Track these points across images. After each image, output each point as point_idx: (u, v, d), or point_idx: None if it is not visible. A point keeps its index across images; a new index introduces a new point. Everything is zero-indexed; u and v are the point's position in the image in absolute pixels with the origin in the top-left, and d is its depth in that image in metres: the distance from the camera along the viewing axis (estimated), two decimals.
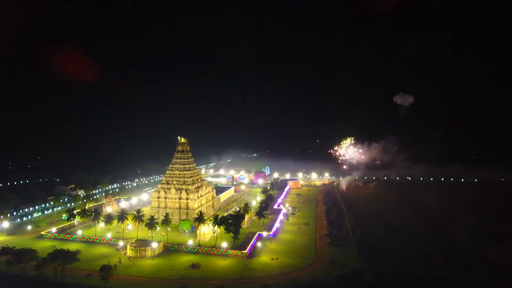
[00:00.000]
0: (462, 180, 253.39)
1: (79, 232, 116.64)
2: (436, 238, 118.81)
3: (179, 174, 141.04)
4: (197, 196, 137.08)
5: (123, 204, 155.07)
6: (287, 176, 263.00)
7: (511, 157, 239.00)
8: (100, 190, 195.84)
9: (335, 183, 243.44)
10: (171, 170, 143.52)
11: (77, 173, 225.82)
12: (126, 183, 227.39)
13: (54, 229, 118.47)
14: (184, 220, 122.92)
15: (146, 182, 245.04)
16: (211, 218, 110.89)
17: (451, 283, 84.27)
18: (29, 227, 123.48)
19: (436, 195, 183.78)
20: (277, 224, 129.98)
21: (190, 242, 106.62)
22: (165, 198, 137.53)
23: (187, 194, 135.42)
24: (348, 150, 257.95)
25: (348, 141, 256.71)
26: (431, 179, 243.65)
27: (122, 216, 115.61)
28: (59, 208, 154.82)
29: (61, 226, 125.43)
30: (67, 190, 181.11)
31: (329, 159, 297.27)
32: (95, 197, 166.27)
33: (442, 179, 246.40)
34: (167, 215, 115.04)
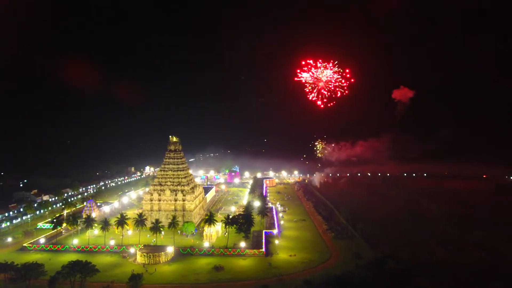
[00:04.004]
0: (414, 174, 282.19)
1: (75, 241, 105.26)
2: (422, 226, 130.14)
3: (173, 175, 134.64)
4: (194, 197, 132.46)
5: (106, 208, 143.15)
6: (259, 175, 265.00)
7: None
8: (68, 194, 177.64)
9: (306, 180, 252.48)
10: (164, 170, 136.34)
11: (33, 177, 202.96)
12: (91, 186, 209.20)
13: (42, 240, 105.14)
14: (187, 222, 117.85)
15: (113, 184, 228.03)
16: (223, 219, 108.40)
17: (455, 266, 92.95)
18: (10, 239, 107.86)
19: (403, 188, 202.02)
20: (276, 222, 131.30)
21: (206, 244, 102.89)
22: (159, 200, 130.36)
23: (184, 195, 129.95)
24: (327, 149, 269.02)
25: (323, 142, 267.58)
26: (379, 176, 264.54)
27: (121, 221, 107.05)
28: (28, 216, 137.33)
29: (42, 236, 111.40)
30: (30, 196, 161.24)
31: (293, 157, 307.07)
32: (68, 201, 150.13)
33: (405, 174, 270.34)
34: (174, 217, 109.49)
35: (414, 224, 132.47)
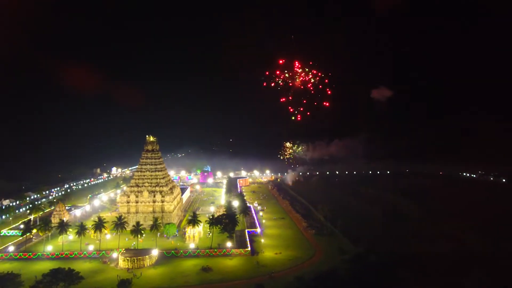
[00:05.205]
0: (378, 172, 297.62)
1: (49, 248, 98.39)
2: (395, 220, 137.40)
3: (151, 176, 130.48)
4: (172, 198, 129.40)
5: (77, 212, 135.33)
6: (231, 174, 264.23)
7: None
8: (31, 198, 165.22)
9: (278, 179, 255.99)
10: (141, 171, 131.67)
11: None
12: (55, 189, 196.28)
13: (11, 248, 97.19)
14: (168, 223, 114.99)
15: (79, 187, 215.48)
16: (207, 219, 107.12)
17: (431, 257, 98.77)
18: None
19: (372, 185, 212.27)
20: (256, 221, 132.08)
21: (192, 245, 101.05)
22: (136, 202, 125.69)
23: (162, 197, 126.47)
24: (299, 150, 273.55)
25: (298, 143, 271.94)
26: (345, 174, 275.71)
27: (99, 224, 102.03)
28: None
29: (9, 243, 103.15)
30: None
31: (265, 156, 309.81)
32: (32, 204, 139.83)
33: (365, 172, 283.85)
34: (156, 219, 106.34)
35: (387, 219, 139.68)
